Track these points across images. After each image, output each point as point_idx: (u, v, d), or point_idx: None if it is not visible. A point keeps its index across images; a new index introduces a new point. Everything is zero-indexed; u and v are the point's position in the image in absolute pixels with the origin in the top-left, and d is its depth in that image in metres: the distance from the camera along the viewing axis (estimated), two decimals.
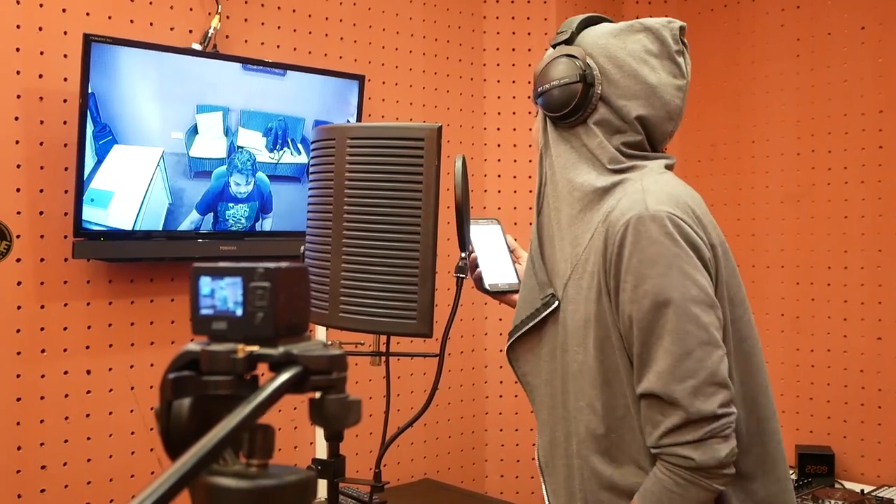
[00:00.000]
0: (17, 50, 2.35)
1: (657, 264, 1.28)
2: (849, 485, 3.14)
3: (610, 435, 1.36)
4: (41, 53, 2.39)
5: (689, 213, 1.35)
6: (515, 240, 1.76)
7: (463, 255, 1.59)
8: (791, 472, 3.25)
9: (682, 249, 1.30)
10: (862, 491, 3.06)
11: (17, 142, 2.35)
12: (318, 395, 0.65)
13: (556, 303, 1.43)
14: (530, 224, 1.56)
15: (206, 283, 0.65)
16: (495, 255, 1.67)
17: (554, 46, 1.47)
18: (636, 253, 1.30)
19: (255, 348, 0.63)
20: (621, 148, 1.42)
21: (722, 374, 1.28)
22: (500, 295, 1.68)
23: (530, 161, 3.47)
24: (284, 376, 0.61)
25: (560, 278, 1.44)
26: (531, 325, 1.47)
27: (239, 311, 0.64)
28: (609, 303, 1.35)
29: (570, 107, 1.41)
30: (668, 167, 1.46)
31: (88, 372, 2.49)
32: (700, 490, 1.26)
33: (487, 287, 1.65)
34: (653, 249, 1.29)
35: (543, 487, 1.52)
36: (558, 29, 1.49)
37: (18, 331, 2.36)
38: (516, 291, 1.62)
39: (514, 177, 3.49)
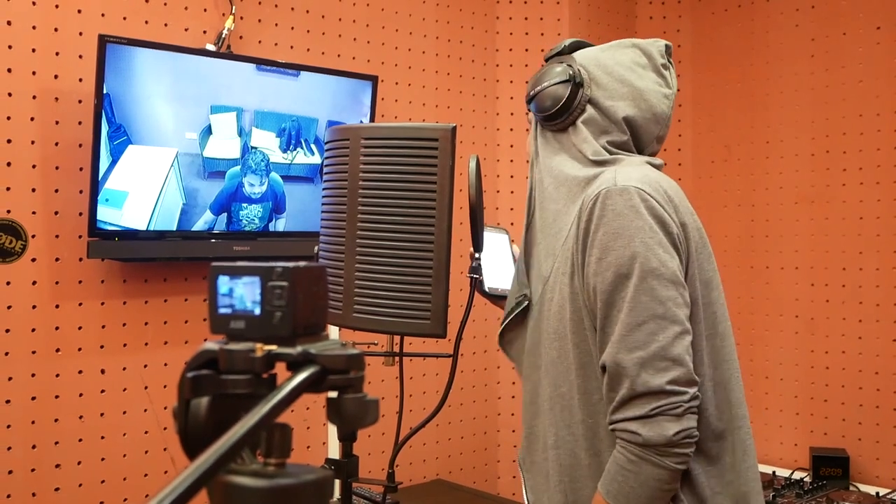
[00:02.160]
0: (33, 51, 2.36)
1: (620, 237, 1.31)
2: (864, 487, 3.12)
3: (587, 420, 1.38)
4: (57, 54, 2.40)
5: (660, 192, 1.37)
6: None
7: (477, 255, 1.59)
8: (805, 474, 3.23)
9: (645, 222, 1.31)
10: (877, 494, 3.05)
11: (32, 142, 2.37)
12: (334, 394, 0.65)
13: (526, 303, 1.50)
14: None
15: (224, 283, 0.65)
16: (499, 261, 1.69)
17: (547, 60, 1.57)
18: (602, 226, 1.32)
19: (273, 347, 0.63)
20: (606, 146, 1.47)
21: (676, 351, 1.27)
22: (497, 299, 1.72)
23: None
24: (302, 375, 0.61)
25: (543, 275, 1.48)
26: (507, 321, 1.55)
27: (257, 311, 0.64)
28: (580, 281, 1.37)
29: (560, 105, 1.47)
30: (654, 165, 1.49)
31: (103, 371, 2.50)
32: (653, 467, 1.26)
33: (486, 289, 1.68)
34: (617, 222, 1.31)
35: (523, 485, 1.55)
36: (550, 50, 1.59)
37: (33, 330, 2.37)
38: None
39: (527, 177, 3.48)
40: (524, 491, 1.55)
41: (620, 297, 1.29)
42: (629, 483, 1.27)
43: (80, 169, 2.43)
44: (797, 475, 3.23)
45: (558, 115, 1.49)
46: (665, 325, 1.27)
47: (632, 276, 1.28)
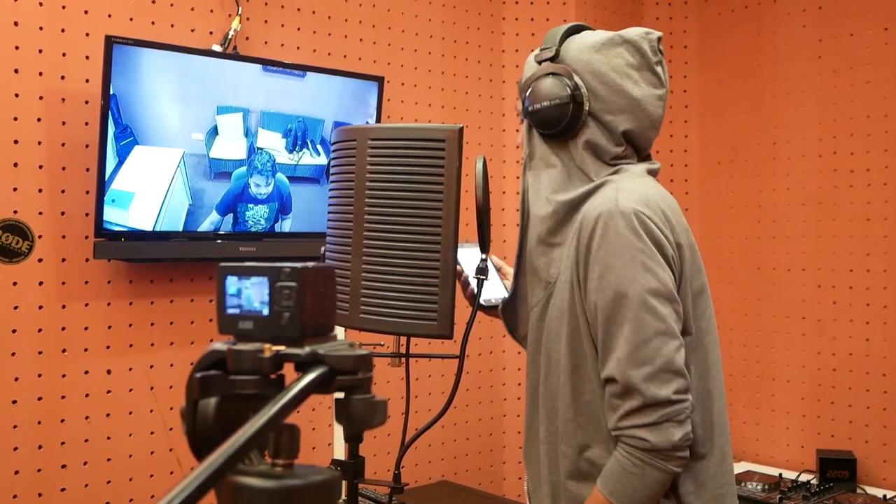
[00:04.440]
0: (40, 51, 2.37)
1: (621, 257, 1.38)
2: (871, 490, 3.11)
3: (578, 419, 1.46)
4: (63, 55, 2.41)
5: (658, 213, 1.44)
6: (504, 258, 1.88)
7: (483, 256, 1.59)
8: (812, 476, 3.22)
9: (645, 244, 1.39)
10: (885, 496, 3.03)
11: (39, 143, 2.37)
12: (342, 395, 0.65)
13: (507, 295, 1.59)
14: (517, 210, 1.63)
15: (232, 283, 0.65)
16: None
17: (539, 63, 1.55)
18: (603, 244, 1.39)
19: (281, 348, 0.63)
20: (608, 162, 1.51)
21: (677, 363, 1.37)
22: (492, 309, 1.76)
23: None
24: (311, 376, 0.61)
25: (546, 280, 1.53)
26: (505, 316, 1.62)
27: (265, 311, 0.64)
28: (579, 292, 1.44)
29: (563, 125, 1.49)
30: (651, 172, 1.56)
31: (109, 372, 2.50)
32: (656, 471, 1.36)
33: (482, 302, 1.70)
34: (618, 242, 1.38)
35: (526, 475, 1.63)
36: (543, 41, 1.57)
37: (40, 330, 2.37)
38: None
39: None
40: (526, 481, 1.62)
41: (621, 314, 1.37)
42: (633, 485, 1.36)
43: (87, 169, 2.43)
44: (804, 477, 3.22)
45: (560, 133, 1.51)
46: (667, 340, 1.36)
47: (632, 295, 1.36)
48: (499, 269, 1.84)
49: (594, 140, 1.50)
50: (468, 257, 1.73)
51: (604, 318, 1.39)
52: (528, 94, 1.54)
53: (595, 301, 1.40)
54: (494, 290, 1.78)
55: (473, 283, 1.70)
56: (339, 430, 2.68)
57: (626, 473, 1.36)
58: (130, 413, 2.54)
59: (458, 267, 1.69)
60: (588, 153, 1.50)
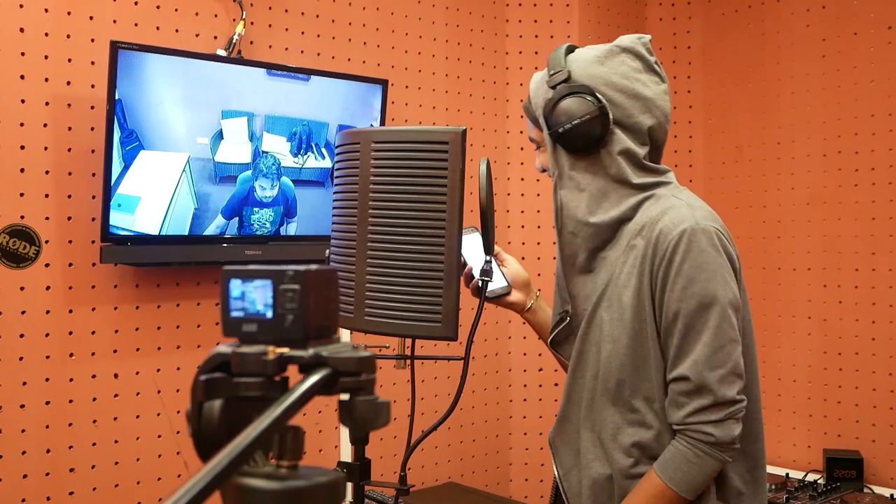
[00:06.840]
0: (46, 57, 2.38)
1: (705, 271, 1.51)
2: (878, 489, 3.10)
3: (639, 412, 1.57)
4: (69, 61, 2.42)
5: (725, 231, 1.58)
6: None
7: (487, 258, 1.59)
8: (819, 476, 3.21)
9: (723, 260, 1.53)
10: (892, 496, 3.03)
11: (45, 148, 2.38)
12: (346, 397, 0.65)
13: (568, 319, 1.69)
14: (553, 227, 1.68)
15: (236, 286, 0.65)
16: (482, 262, 1.70)
17: (553, 87, 1.61)
18: (688, 259, 1.51)
19: (285, 350, 0.63)
20: (642, 162, 1.59)
21: (741, 367, 1.52)
22: (497, 299, 1.80)
23: None
24: (314, 378, 0.62)
25: (593, 292, 1.63)
26: (555, 333, 1.72)
27: (269, 314, 0.64)
28: (649, 299, 1.54)
29: (595, 139, 1.56)
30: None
31: (116, 375, 2.51)
32: (714, 461, 1.50)
33: (486, 294, 1.70)
34: (702, 258, 1.51)
35: (553, 460, 1.72)
36: (548, 65, 1.65)
37: (47, 335, 2.38)
38: (509, 294, 1.81)
39: (538, 180, 3.49)
40: (554, 466, 1.71)
41: (702, 322, 1.50)
42: (692, 473, 1.50)
43: (93, 174, 2.44)
44: (811, 477, 3.22)
45: (592, 147, 1.57)
46: (736, 346, 1.51)
47: (714, 306, 1.50)
48: (496, 255, 1.84)
49: (627, 146, 1.57)
50: (468, 245, 1.71)
51: (684, 326, 1.50)
52: (551, 117, 1.59)
53: (676, 309, 1.51)
54: (495, 280, 1.77)
55: (477, 274, 1.71)
56: (345, 433, 2.69)
57: (686, 462, 1.49)
58: (138, 417, 2.55)
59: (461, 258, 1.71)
60: (625, 160, 1.57)
